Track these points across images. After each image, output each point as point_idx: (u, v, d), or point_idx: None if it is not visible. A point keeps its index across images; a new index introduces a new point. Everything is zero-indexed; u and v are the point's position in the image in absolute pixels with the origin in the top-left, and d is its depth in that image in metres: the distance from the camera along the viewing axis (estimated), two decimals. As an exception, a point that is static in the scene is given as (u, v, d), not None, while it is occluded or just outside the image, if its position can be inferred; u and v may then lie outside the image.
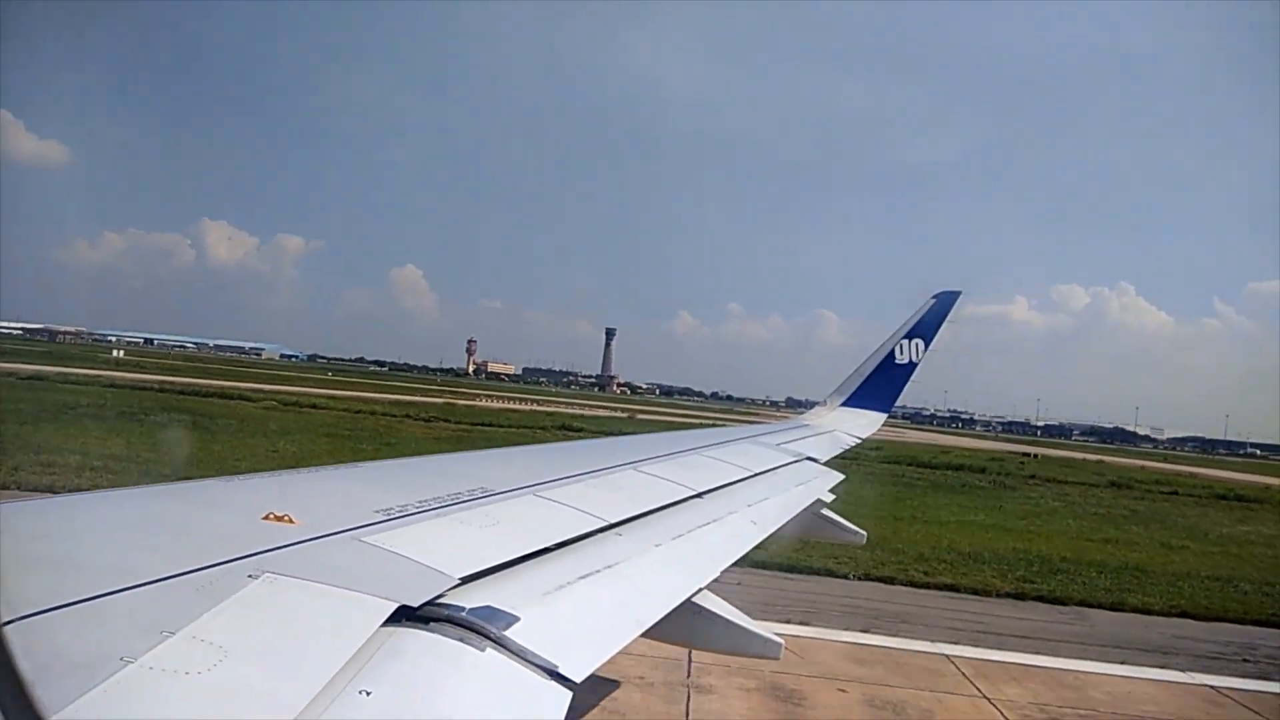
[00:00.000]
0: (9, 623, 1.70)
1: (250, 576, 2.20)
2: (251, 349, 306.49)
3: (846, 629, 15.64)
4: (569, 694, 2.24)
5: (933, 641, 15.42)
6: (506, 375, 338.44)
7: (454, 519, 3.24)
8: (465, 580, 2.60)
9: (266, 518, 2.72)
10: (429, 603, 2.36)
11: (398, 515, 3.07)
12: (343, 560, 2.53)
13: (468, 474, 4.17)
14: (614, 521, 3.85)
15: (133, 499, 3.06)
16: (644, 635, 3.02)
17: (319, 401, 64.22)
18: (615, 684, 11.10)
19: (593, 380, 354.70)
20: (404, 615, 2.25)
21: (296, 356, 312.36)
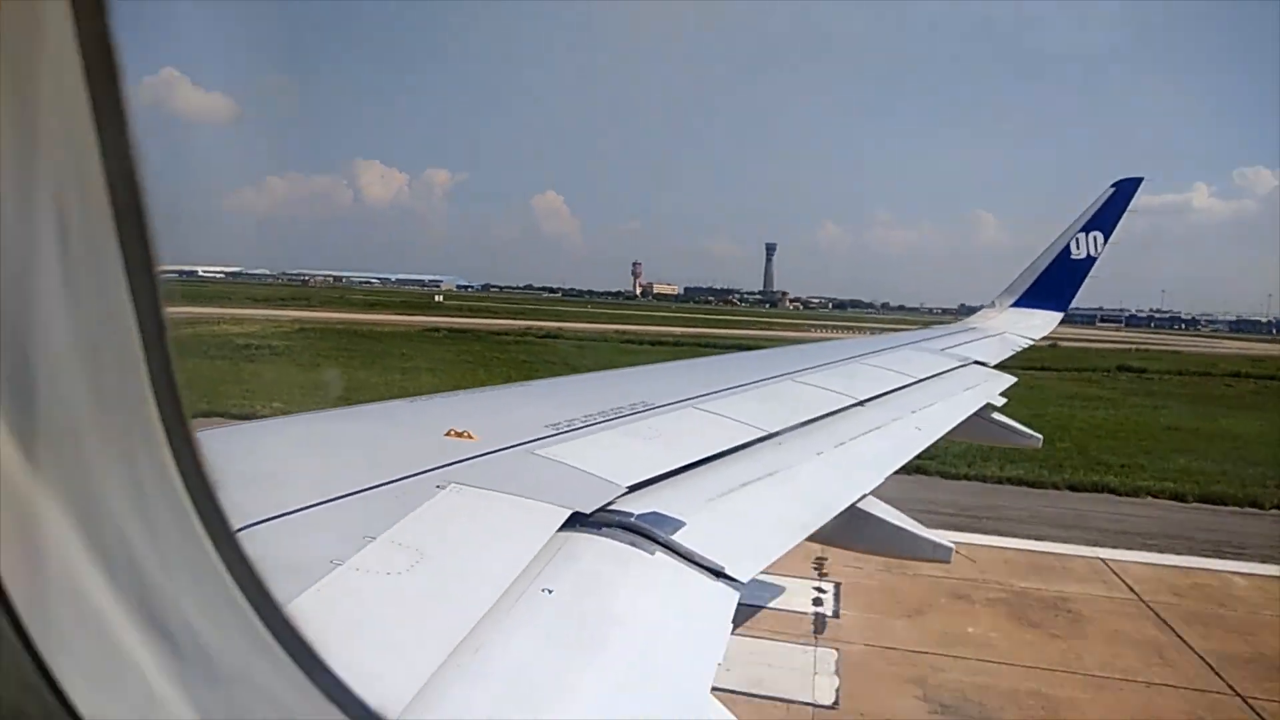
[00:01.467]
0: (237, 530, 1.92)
1: (438, 487, 2.38)
2: (430, 281, 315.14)
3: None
4: (736, 593, 2.31)
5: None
6: (672, 295, 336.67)
7: (619, 431, 3.36)
8: (632, 489, 2.70)
9: (449, 434, 2.92)
10: (600, 509, 2.48)
11: (566, 429, 3.22)
12: (519, 471, 2.69)
13: (629, 389, 4.29)
14: (774, 431, 3.87)
15: (330, 420, 3.34)
16: (810, 539, 3.05)
17: (647, 337, 63.60)
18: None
19: (759, 295, 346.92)
20: (577, 521, 2.38)
21: (472, 286, 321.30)
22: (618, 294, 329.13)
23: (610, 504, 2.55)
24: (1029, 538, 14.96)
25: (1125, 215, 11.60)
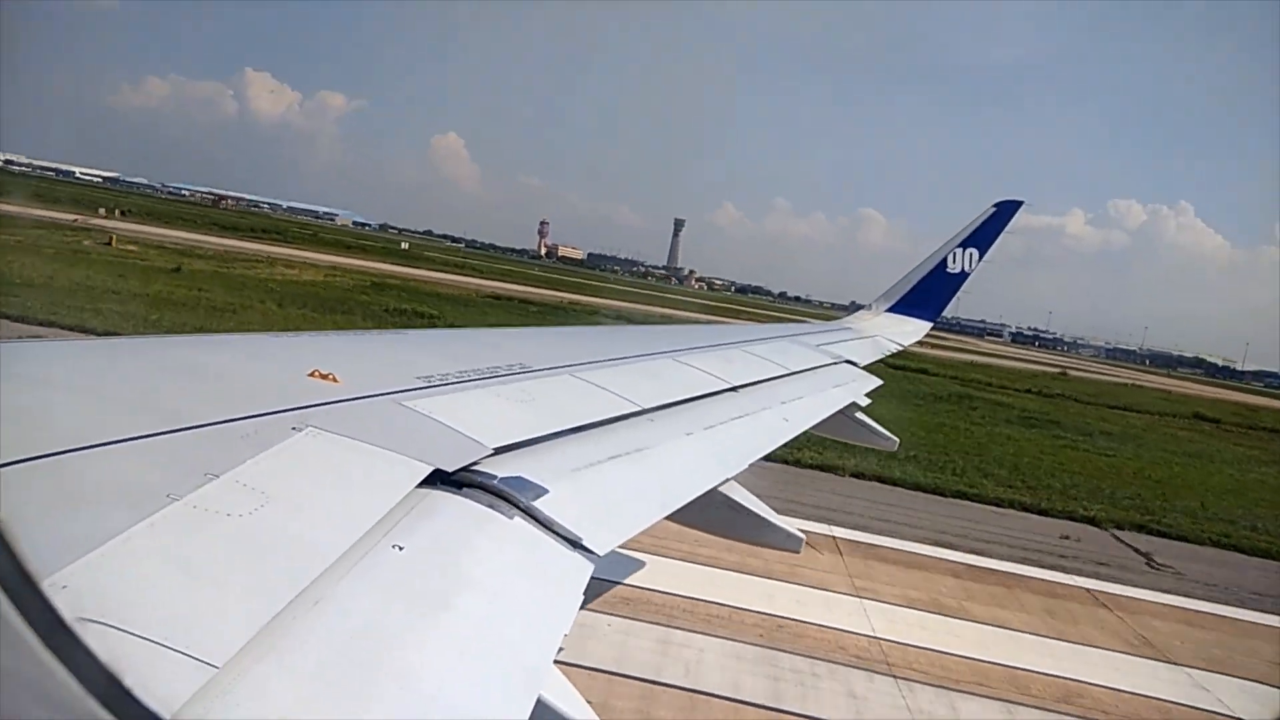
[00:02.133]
0: (57, 454, 1.79)
1: (294, 429, 2.27)
2: (325, 213, 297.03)
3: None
4: (591, 566, 2.32)
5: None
6: (576, 260, 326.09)
7: (491, 391, 3.30)
8: (499, 451, 2.66)
9: (312, 374, 2.79)
10: (463, 469, 2.43)
11: (438, 383, 3.14)
12: (383, 421, 2.60)
13: (508, 349, 4.23)
14: (648, 407, 3.90)
15: (187, 346, 3.16)
16: (668, 519, 3.10)
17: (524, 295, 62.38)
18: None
19: (663, 270, 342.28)
20: (438, 479, 2.33)
21: (369, 225, 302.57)
22: (522, 251, 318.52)
23: (474, 464, 2.50)
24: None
25: (1003, 235, 12.21)
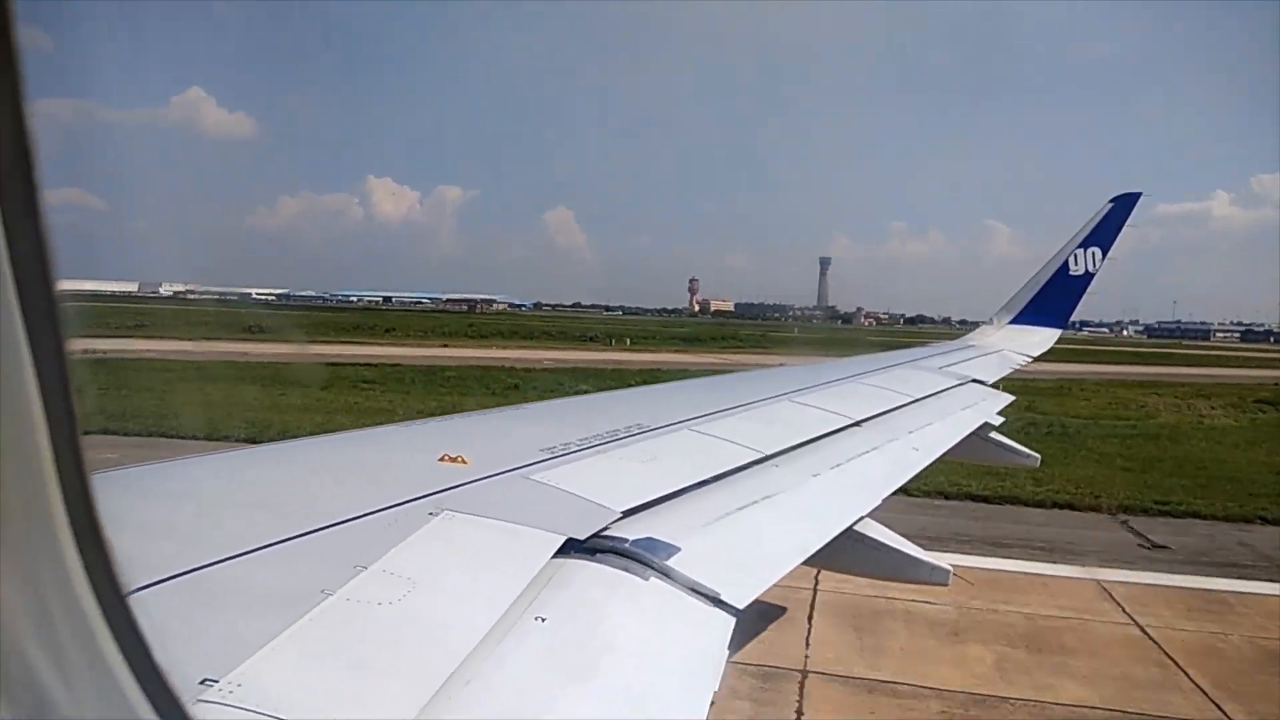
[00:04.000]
0: (219, 562, 1.91)
1: (431, 514, 2.37)
2: (483, 300, 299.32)
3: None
4: (733, 620, 2.30)
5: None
6: (728, 312, 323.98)
7: (613, 455, 3.35)
8: (627, 513, 2.69)
9: (442, 459, 2.91)
10: (594, 535, 2.46)
11: (561, 453, 3.21)
12: (513, 497, 2.67)
13: (625, 411, 4.28)
14: (770, 453, 3.86)
15: (324, 446, 3.33)
16: (807, 563, 3.04)
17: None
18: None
19: (821, 311, 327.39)
20: (572, 547, 2.36)
21: (524, 305, 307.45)
22: (675, 311, 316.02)
23: (605, 529, 2.54)
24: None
25: (1126, 228, 11.63)
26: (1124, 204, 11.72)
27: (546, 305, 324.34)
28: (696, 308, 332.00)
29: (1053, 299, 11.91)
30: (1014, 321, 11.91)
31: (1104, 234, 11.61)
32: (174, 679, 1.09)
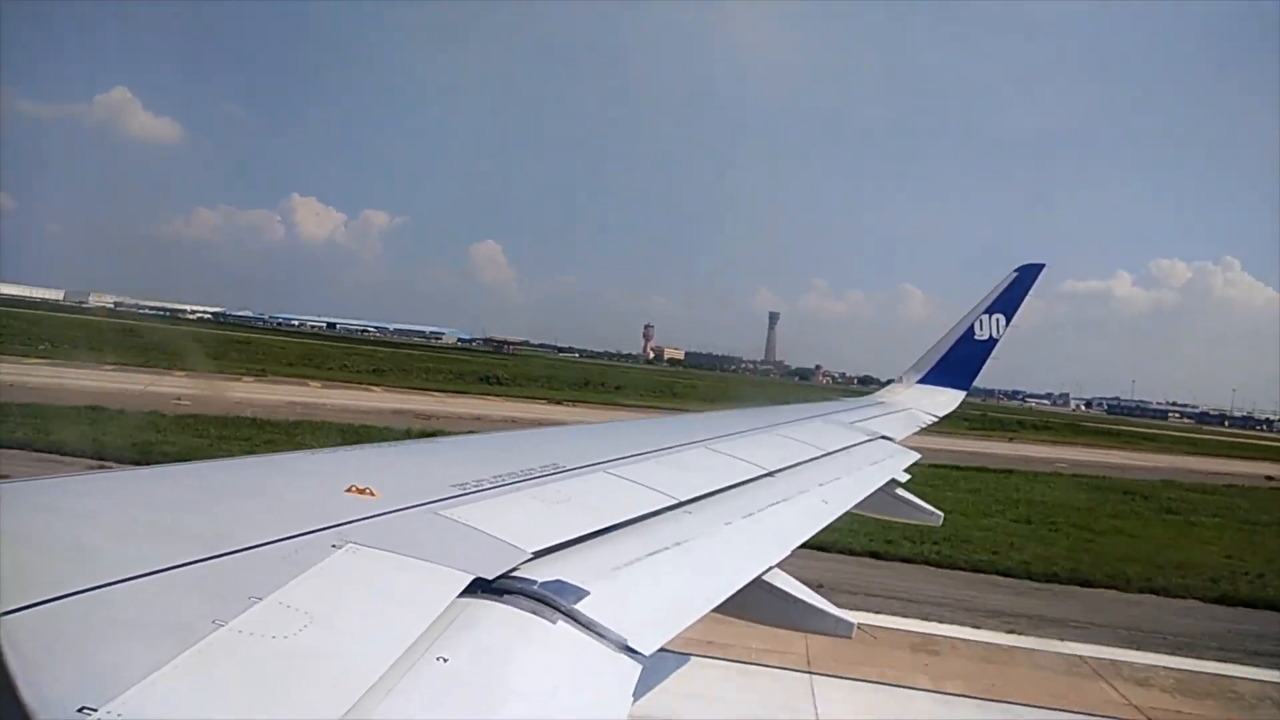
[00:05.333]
0: (104, 586, 1.81)
1: (334, 546, 2.29)
2: (432, 333, 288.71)
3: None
4: (639, 667, 2.28)
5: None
6: (679, 361, 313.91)
7: (527, 494, 3.31)
8: (538, 554, 2.65)
9: (349, 490, 2.82)
10: (503, 575, 2.42)
11: (473, 490, 3.15)
12: (421, 532, 2.61)
13: (540, 450, 4.24)
14: (684, 499, 3.87)
15: (225, 470, 3.20)
16: (715, 611, 3.04)
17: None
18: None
19: (775, 366, 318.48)
20: (479, 587, 2.32)
21: (474, 340, 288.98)
22: (626, 355, 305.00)
23: (514, 570, 2.49)
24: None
25: (1027, 299, 12.18)
26: (1028, 273, 12.29)
27: (495, 341, 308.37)
28: (651, 354, 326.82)
29: (958, 362, 12.36)
30: (922, 381, 12.30)
31: (1008, 301, 12.14)
32: (36, 708, 1.03)
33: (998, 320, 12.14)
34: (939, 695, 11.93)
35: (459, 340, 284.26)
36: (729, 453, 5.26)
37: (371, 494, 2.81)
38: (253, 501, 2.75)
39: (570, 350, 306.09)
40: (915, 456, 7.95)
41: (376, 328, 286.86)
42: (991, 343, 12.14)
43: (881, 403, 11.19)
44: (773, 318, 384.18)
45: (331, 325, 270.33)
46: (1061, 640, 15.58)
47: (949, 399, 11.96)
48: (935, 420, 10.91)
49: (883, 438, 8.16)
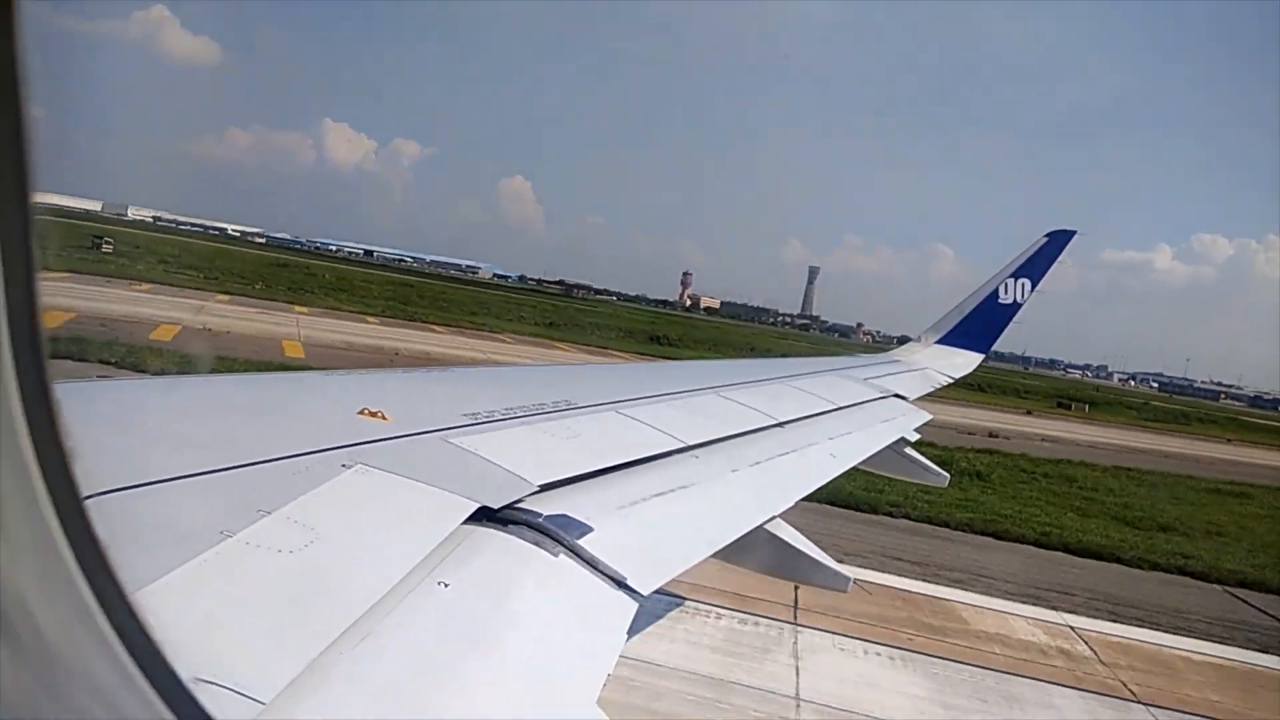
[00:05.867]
0: (116, 491, 1.84)
1: (344, 466, 2.31)
2: (468, 266, 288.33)
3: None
4: (635, 605, 2.31)
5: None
6: (714, 310, 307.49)
7: (537, 428, 3.33)
8: (544, 488, 2.68)
9: (362, 412, 2.84)
10: (508, 506, 2.45)
11: (484, 420, 3.17)
12: (430, 458, 2.63)
13: (554, 386, 4.26)
14: (693, 444, 3.89)
15: (243, 384, 3.24)
16: (714, 556, 3.07)
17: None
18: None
19: (808, 320, 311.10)
20: (484, 515, 2.34)
21: (509, 277, 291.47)
22: (662, 302, 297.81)
23: (519, 501, 2.52)
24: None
25: (1056, 265, 11.99)
26: (1058, 240, 12.07)
27: (531, 279, 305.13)
28: (688, 302, 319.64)
29: (979, 324, 12.23)
30: (940, 341, 12.21)
31: (1036, 266, 11.95)
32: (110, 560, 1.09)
33: (1023, 285, 11.97)
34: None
35: (495, 275, 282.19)
36: (741, 401, 5.26)
37: (383, 418, 2.84)
38: (267, 417, 2.79)
39: (607, 294, 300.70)
40: (927, 416, 7.94)
41: (413, 258, 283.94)
42: (1015, 307, 11.99)
43: (897, 360, 11.13)
44: (812, 272, 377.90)
45: (369, 253, 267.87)
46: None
47: (966, 361, 11.88)
48: (951, 381, 10.85)
49: (896, 396, 8.14)
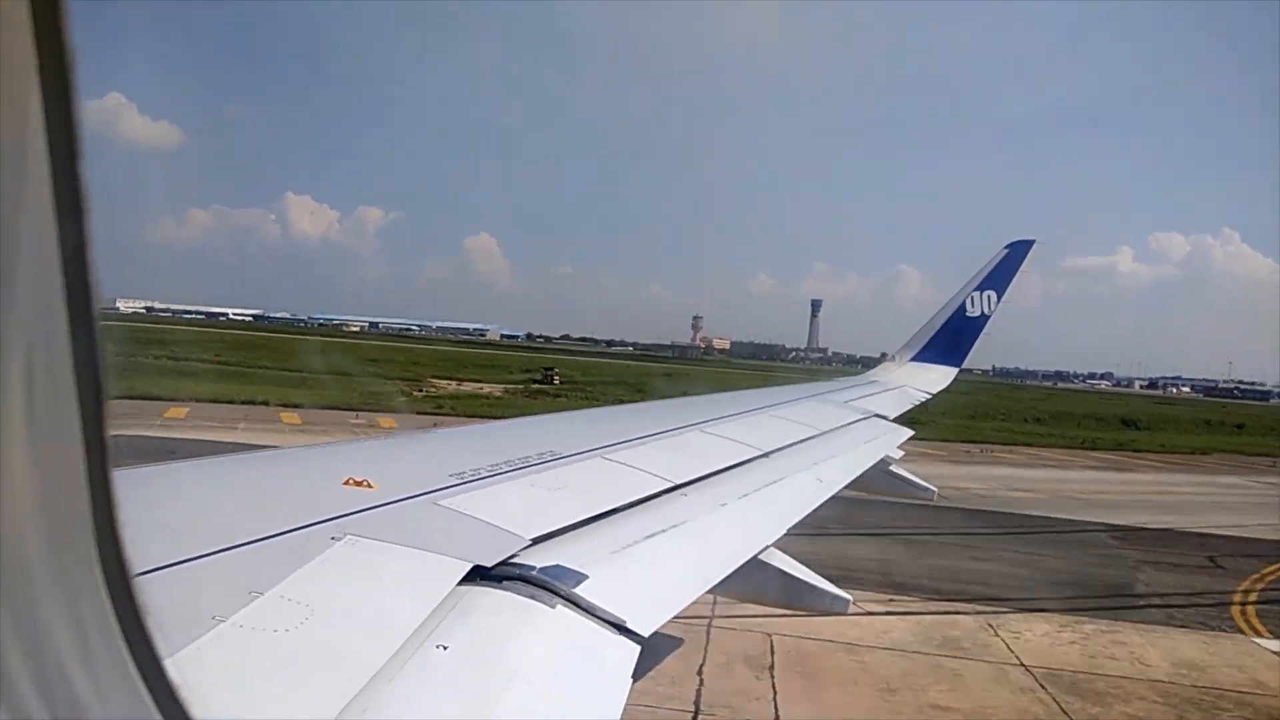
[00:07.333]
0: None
1: (333, 539, 2.31)
2: (475, 330, 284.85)
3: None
4: (637, 648, 2.31)
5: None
6: (724, 350, 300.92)
7: (524, 482, 3.33)
8: (536, 540, 2.68)
9: (347, 483, 2.84)
10: (502, 563, 2.44)
11: (471, 479, 3.17)
12: (419, 522, 2.63)
13: (537, 438, 4.26)
14: (680, 482, 3.90)
15: (224, 466, 3.21)
16: (712, 591, 3.07)
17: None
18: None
19: (815, 352, 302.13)
20: (478, 574, 2.34)
21: (518, 336, 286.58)
22: (670, 347, 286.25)
23: (512, 557, 2.52)
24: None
25: (1019, 275, 12.20)
26: (1018, 250, 12.30)
27: (539, 337, 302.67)
28: (702, 345, 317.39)
29: (950, 339, 12.39)
30: (914, 359, 12.34)
31: (999, 278, 12.16)
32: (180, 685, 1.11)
33: (989, 297, 12.16)
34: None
35: (502, 335, 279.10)
36: (724, 435, 5.29)
37: (369, 485, 2.83)
38: (250, 497, 2.77)
39: (620, 343, 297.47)
40: (908, 434, 8.00)
41: (419, 325, 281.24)
42: (983, 319, 12.16)
43: (874, 381, 11.23)
44: (815, 305, 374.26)
45: (374, 325, 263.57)
46: None
47: (940, 376, 12.00)
48: (929, 397, 10.96)
49: (876, 416, 8.20)
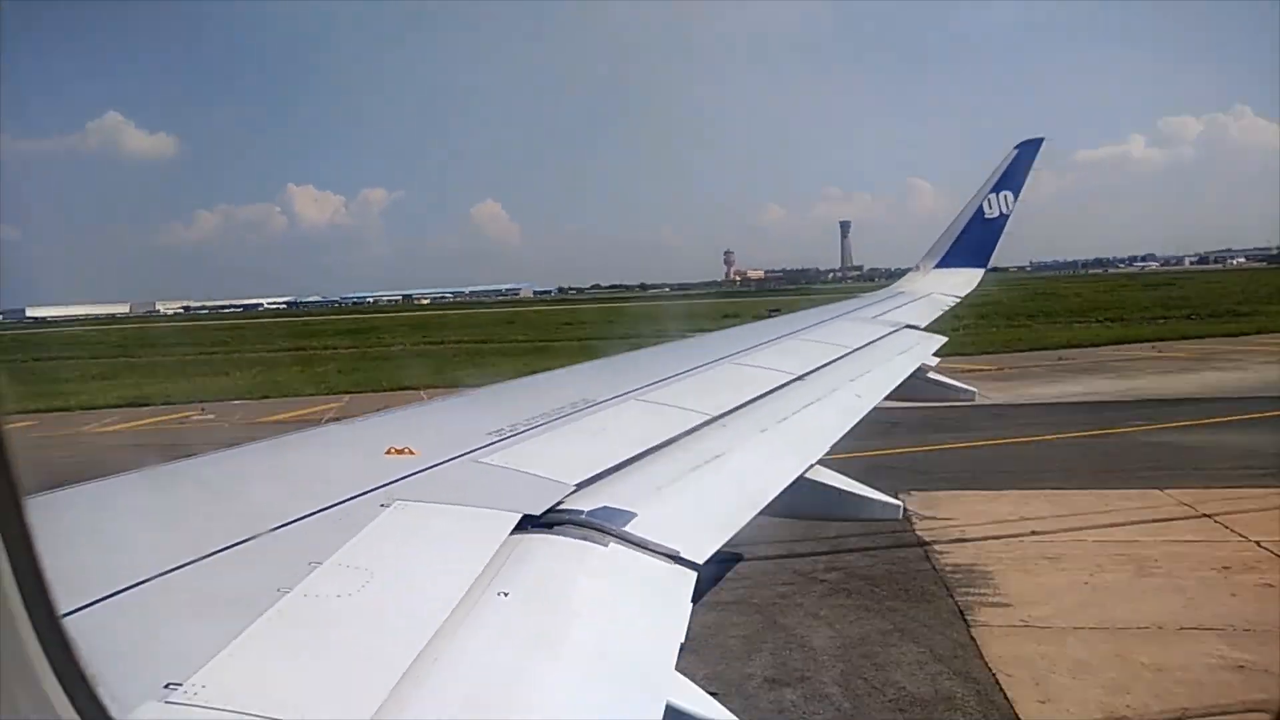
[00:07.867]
0: (172, 571, 1.87)
1: (382, 505, 2.34)
2: (509, 289, 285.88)
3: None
4: (693, 575, 2.33)
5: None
6: (759, 281, 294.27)
7: (562, 431, 3.35)
8: (580, 486, 2.70)
9: (389, 452, 2.87)
10: (550, 509, 2.47)
11: (509, 434, 3.19)
12: (464, 481, 2.66)
13: (571, 388, 4.27)
14: (717, 414, 3.90)
15: (270, 450, 3.25)
16: (763, 513, 3.08)
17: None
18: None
19: (847, 271, 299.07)
20: (528, 524, 2.36)
21: (549, 291, 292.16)
22: (710, 283, 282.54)
23: (559, 503, 2.54)
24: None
25: (1033, 172, 12.01)
26: (1029, 148, 12.16)
27: (572, 289, 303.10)
28: (737, 279, 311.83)
29: (972, 241, 12.27)
30: (939, 266, 12.20)
31: (1013, 178, 12.00)
32: (101, 689, 1.12)
33: (1005, 197, 12.02)
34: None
35: (535, 293, 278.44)
36: (756, 364, 5.27)
37: (410, 452, 2.86)
38: (298, 475, 2.82)
39: (661, 286, 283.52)
40: (941, 340, 7.94)
41: (453, 293, 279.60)
42: (1003, 219, 12.02)
43: (901, 293, 11.12)
44: (844, 226, 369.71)
45: (407, 297, 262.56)
46: None
47: (967, 279, 11.88)
48: (958, 300, 10.83)
49: (907, 326, 8.13)
